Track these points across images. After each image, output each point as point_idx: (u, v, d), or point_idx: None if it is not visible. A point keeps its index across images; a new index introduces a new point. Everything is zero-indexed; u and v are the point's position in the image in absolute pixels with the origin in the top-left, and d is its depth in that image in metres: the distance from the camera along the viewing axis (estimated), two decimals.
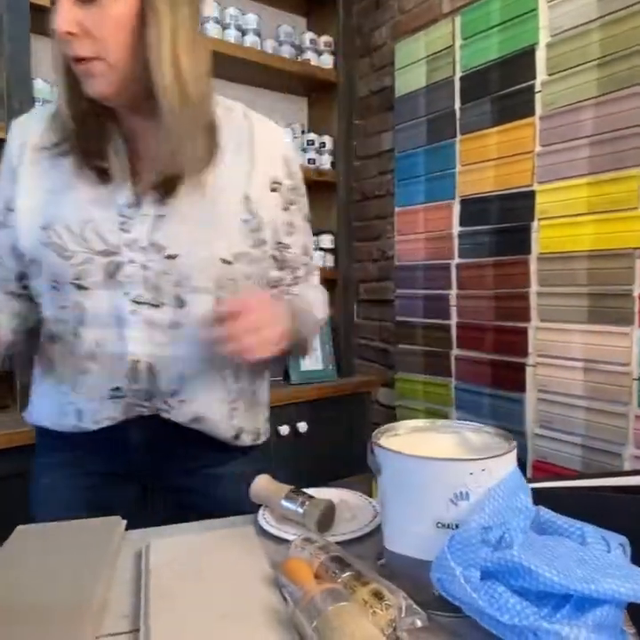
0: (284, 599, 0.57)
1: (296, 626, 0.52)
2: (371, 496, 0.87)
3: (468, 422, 0.71)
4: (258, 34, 1.88)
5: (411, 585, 0.58)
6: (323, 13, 2.15)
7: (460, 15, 1.78)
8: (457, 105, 1.80)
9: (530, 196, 1.58)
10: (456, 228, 1.83)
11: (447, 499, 0.57)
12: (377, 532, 0.76)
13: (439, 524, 0.57)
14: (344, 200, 2.11)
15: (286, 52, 1.97)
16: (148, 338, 0.82)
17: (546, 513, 0.62)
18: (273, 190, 0.87)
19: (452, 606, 0.55)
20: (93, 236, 0.81)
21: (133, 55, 0.74)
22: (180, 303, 0.82)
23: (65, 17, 0.71)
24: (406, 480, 0.59)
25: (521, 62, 1.60)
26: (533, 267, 1.59)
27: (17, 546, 0.71)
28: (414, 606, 0.54)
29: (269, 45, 1.93)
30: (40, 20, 1.53)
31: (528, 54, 1.58)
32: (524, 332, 1.62)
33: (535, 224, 1.58)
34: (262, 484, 0.83)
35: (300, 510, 0.77)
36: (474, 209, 1.76)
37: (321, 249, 2.10)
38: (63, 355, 0.87)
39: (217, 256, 0.82)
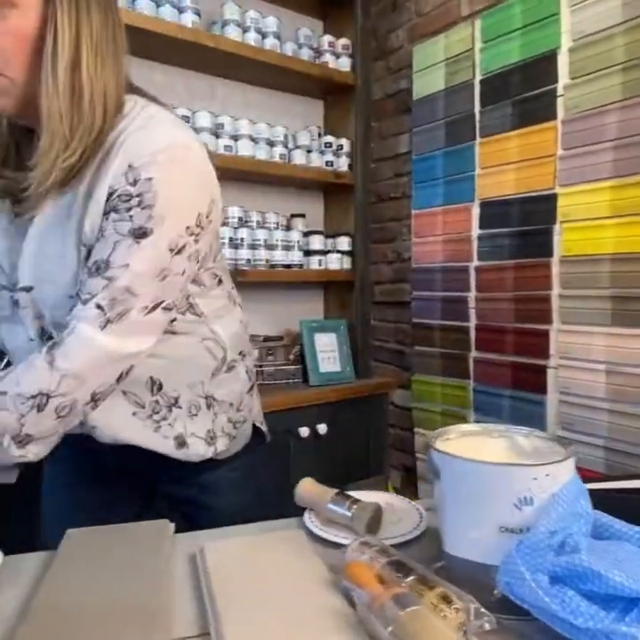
0: (350, 603, 0.58)
1: (369, 630, 0.53)
2: None
3: (518, 427, 0.72)
4: (277, 37, 1.89)
5: (471, 588, 0.59)
6: (339, 16, 2.16)
7: (479, 19, 1.78)
8: (477, 108, 1.81)
9: (551, 199, 1.59)
10: (475, 231, 1.83)
11: (511, 504, 0.58)
12: (424, 535, 0.77)
13: (502, 529, 0.58)
14: (361, 202, 2.12)
15: (305, 54, 1.98)
16: None
17: (602, 517, 0.63)
18: (106, 201, 0.73)
19: (514, 609, 0.55)
20: None
21: (37, 73, 0.70)
22: (48, 337, 0.77)
23: None
24: (469, 485, 0.59)
25: (542, 66, 1.60)
26: (555, 269, 1.60)
27: (72, 549, 0.71)
28: (482, 610, 0.55)
29: (289, 48, 1.94)
30: None
31: (550, 58, 1.58)
32: (545, 334, 1.63)
33: (557, 227, 1.59)
34: (306, 488, 0.83)
35: (348, 514, 0.77)
36: (494, 212, 1.77)
37: (338, 251, 2.11)
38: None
39: (65, 293, 0.74)
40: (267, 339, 1.99)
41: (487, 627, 0.54)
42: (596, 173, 1.49)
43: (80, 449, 0.91)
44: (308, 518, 0.80)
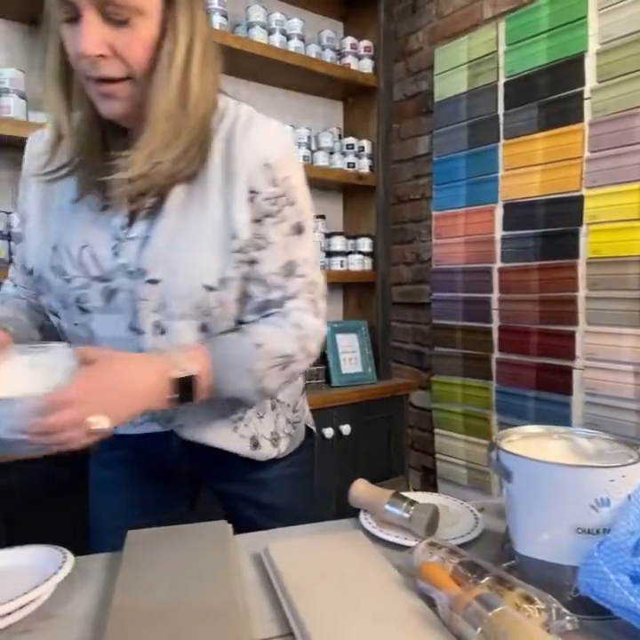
0: (429, 603, 0.59)
1: (455, 631, 0.54)
2: None
3: (581, 429, 0.73)
4: (302, 39, 1.89)
5: (546, 588, 0.60)
6: (359, 17, 2.17)
7: (504, 21, 1.79)
8: (500, 110, 1.81)
9: (578, 200, 1.60)
10: (499, 232, 1.84)
11: (588, 505, 0.58)
12: (481, 537, 0.78)
13: (579, 530, 0.59)
14: (383, 203, 2.13)
15: (328, 56, 1.99)
16: None
17: None
18: (249, 201, 0.78)
19: (591, 609, 0.56)
20: (89, 261, 0.79)
21: (150, 76, 0.72)
22: (161, 330, 0.78)
23: (95, 39, 0.67)
24: (545, 487, 0.60)
25: (569, 69, 1.61)
26: (582, 271, 1.61)
27: (138, 551, 0.72)
28: (563, 610, 0.55)
29: (313, 50, 1.94)
30: None
31: (577, 61, 1.59)
32: (571, 335, 1.64)
33: (584, 229, 1.60)
34: (362, 489, 0.84)
35: (407, 515, 0.78)
36: (518, 213, 1.78)
37: (359, 252, 2.11)
38: None
39: (200, 282, 0.76)
40: None
41: (569, 627, 0.55)
42: (624, 176, 1.50)
43: (132, 452, 0.92)
44: (364, 519, 0.81)
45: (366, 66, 2.07)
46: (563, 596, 0.59)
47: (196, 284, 0.76)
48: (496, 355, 1.88)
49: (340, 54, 2.05)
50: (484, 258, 1.89)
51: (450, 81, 1.99)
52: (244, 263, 0.79)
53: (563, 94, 1.63)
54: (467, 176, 1.94)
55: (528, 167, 1.74)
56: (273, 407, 0.93)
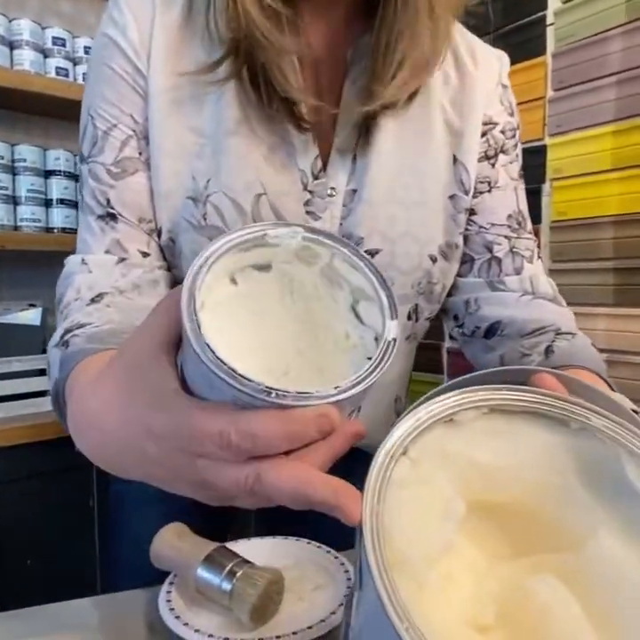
0: None
1: None
2: None
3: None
4: None
5: None
6: None
7: None
8: None
9: (540, 151, 1.31)
10: None
11: None
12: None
13: None
14: None
15: None
16: None
17: None
18: (482, 135, 0.61)
19: None
20: (270, 217, 0.54)
21: None
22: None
23: None
24: None
25: None
26: (544, 238, 1.32)
27: None
28: None
29: None
30: None
31: None
32: None
33: (547, 186, 1.31)
34: (168, 540, 0.53)
35: (228, 587, 0.47)
36: None
37: None
38: None
39: (426, 251, 0.59)
40: None
41: None
42: (594, 117, 1.21)
43: None
44: (164, 594, 0.49)
45: None
46: None
47: (421, 255, 0.58)
48: (447, 344, 1.58)
49: None
50: None
51: None
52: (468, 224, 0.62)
53: (521, 22, 1.34)
54: None
55: None
56: None
